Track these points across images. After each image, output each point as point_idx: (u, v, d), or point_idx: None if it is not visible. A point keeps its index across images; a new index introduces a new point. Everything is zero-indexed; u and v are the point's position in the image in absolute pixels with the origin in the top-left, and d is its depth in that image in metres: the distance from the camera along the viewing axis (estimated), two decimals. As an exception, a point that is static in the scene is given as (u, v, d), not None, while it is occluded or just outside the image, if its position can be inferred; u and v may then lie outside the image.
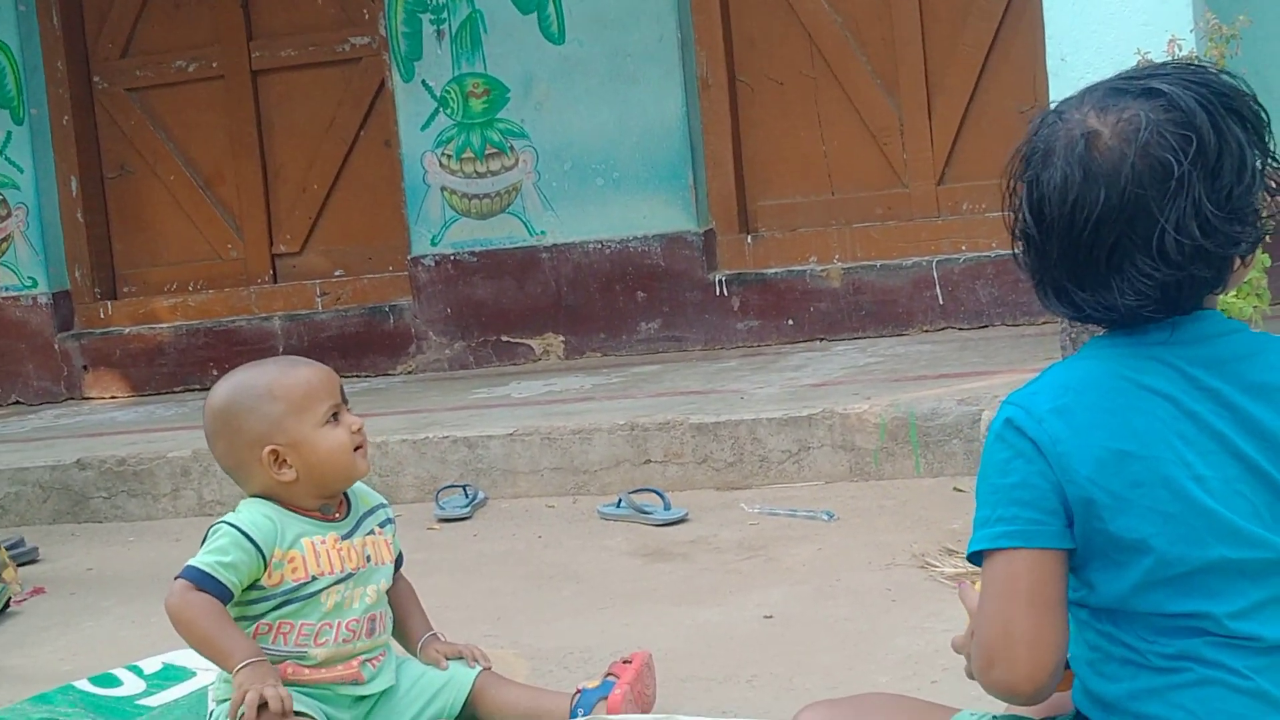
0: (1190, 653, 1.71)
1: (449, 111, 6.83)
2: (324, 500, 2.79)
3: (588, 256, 6.70)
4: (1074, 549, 1.72)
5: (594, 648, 3.36)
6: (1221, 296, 1.78)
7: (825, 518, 4.29)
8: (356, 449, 2.77)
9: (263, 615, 2.72)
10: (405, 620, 2.91)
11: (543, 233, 6.76)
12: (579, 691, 2.83)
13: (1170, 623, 1.72)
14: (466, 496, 4.88)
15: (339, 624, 2.74)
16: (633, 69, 6.59)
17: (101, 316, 7.48)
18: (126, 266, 7.62)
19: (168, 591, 2.68)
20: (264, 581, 2.70)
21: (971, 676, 1.92)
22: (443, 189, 6.87)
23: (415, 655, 2.93)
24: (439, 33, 6.81)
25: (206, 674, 3.26)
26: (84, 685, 3.28)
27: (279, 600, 2.71)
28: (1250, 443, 1.72)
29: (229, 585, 2.66)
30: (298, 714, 2.62)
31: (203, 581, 2.66)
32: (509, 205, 6.81)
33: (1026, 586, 1.70)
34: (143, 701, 3.20)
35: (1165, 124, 1.66)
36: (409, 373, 6.94)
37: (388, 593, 2.85)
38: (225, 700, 2.67)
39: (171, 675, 3.33)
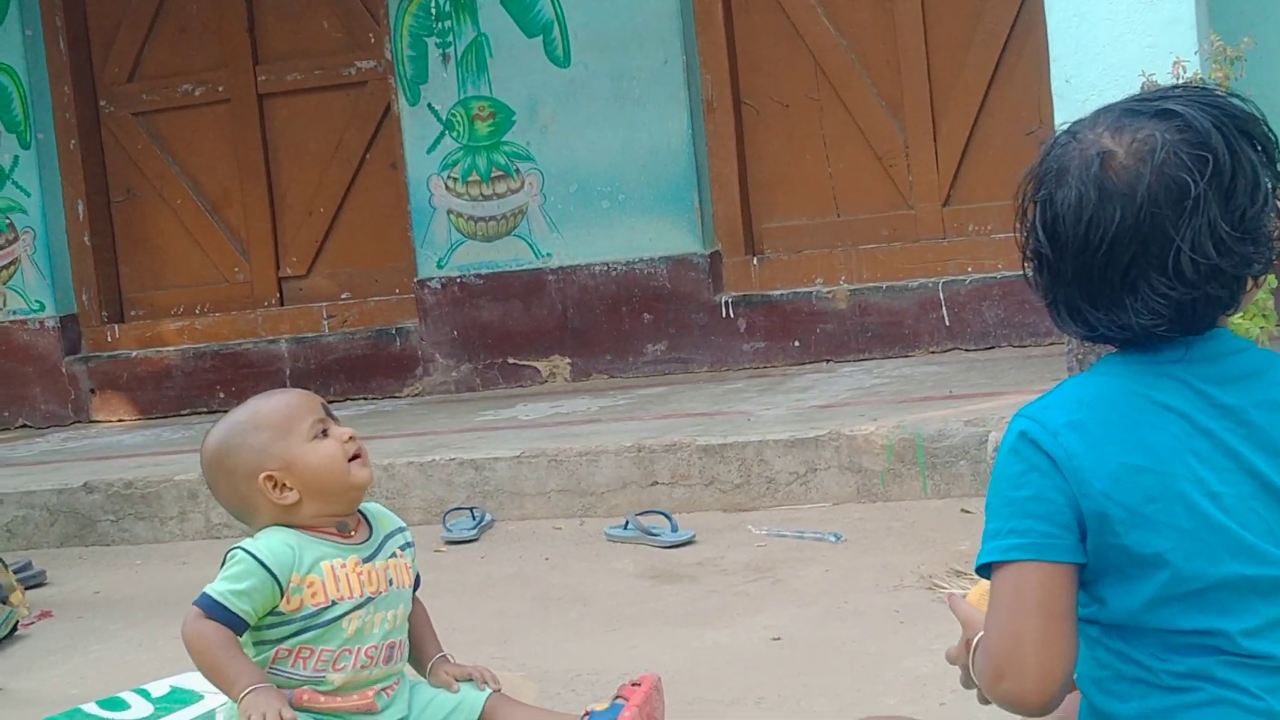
0: (1202, 671, 1.71)
1: (455, 134, 6.84)
2: (336, 517, 2.79)
3: (594, 278, 6.71)
4: (1085, 564, 1.72)
5: (601, 670, 3.35)
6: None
7: (833, 539, 4.28)
8: (354, 459, 2.78)
9: (282, 640, 2.72)
10: (417, 642, 2.91)
11: (549, 255, 6.77)
12: (588, 713, 2.83)
13: (1183, 640, 1.72)
14: (473, 519, 4.87)
15: (358, 649, 2.75)
16: (638, 92, 6.61)
17: (109, 340, 7.49)
18: (133, 290, 7.64)
19: (183, 617, 2.70)
20: (283, 607, 2.70)
21: (967, 687, 1.92)
22: (449, 211, 6.88)
23: (425, 677, 2.93)
24: (444, 56, 6.82)
25: (214, 697, 3.25)
26: (92, 709, 3.27)
27: (299, 626, 2.71)
28: (1264, 460, 1.72)
29: (241, 615, 2.67)
30: None
31: (214, 610, 2.67)
32: (515, 228, 6.82)
33: (1037, 599, 1.70)
34: (150, 725, 3.20)
35: (1180, 144, 1.67)
36: (415, 395, 6.94)
37: None
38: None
39: (179, 698, 3.33)
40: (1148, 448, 1.70)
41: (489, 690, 2.90)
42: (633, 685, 2.88)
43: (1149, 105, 1.72)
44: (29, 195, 7.44)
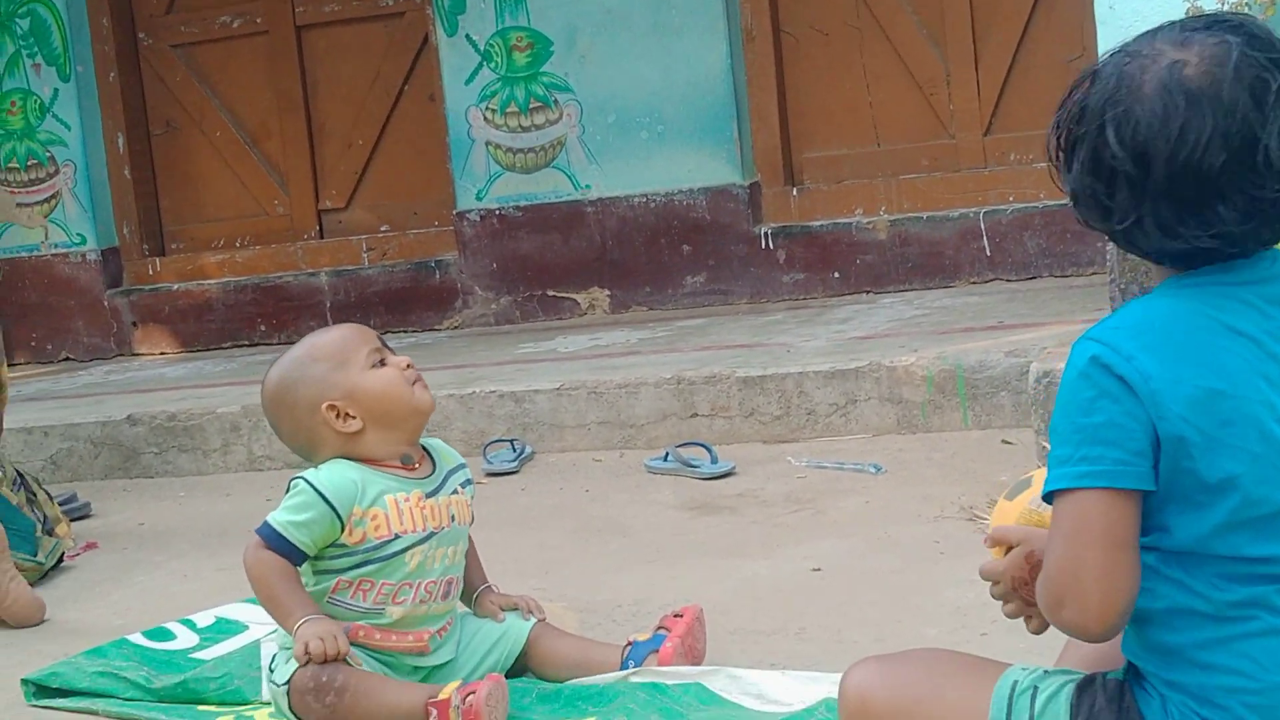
0: (1261, 600, 1.72)
1: (493, 65, 6.81)
2: (400, 448, 2.80)
3: (633, 210, 6.69)
4: (1153, 491, 1.72)
5: (642, 601, 3.37)
6: None
7: (873, 470, 4.28)
8: (414, 384, 2.80)
9: (344, 571, 2.73)
10: (464, 572, 2.93)
11: (588, 186, 6.75)
12: (630, 644, 2.84)
13: (1245, 568, 1.72)
14: (514, 451, 4.89)
15: (419, 584, 2.76)
16: (677, 21, 6.56)
17: (150, 273, 7.52)
18: (174, 223, 7.66)
19: (245, 545, 2.73)
20: (345, 539, 2.72)
21: (997, 599, 1.93)
22: (487, 143, 6.86)
23: (470, 607, 2.95)
24: (482, -14, 6.79)
25: (259, 627, 3.29)
26: (138, 639, 3.31)
27: (361, 558, 2.73)
28: None
29: (300, 546, 2.69)
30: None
31: (274, 541, 2.69)
32: (553, 159, 6.80)
33: (1102, 527, 1.70)
34: (196, 655, 3.23)
35: (1249, 46, 1.70)
36: (455, 328, 6.95)
37: None
38: (288, 647, 2.69)
39: (225, 629, 3.36)
40: (1222, 370, 1.71)
41: (534, 620, 2.92)
42: (675, 616, 2.90)
43: (1204, 21, 1.74)
44: (69, 129, 7.45)
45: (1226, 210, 1.70)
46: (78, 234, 7.49)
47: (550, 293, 6.82)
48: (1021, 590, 1.99)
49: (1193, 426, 1.69)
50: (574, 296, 6.79)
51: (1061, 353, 3.93)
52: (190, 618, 3.43)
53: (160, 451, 5.41)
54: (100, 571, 4.18)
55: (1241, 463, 1.70)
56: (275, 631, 2.90)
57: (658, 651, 2.80)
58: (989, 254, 6.20)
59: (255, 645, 3.14)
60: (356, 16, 7.24)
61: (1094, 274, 5.84)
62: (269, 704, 2.86)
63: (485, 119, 6.85)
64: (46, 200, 7.52)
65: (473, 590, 2.95)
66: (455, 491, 2.85)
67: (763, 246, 6.52)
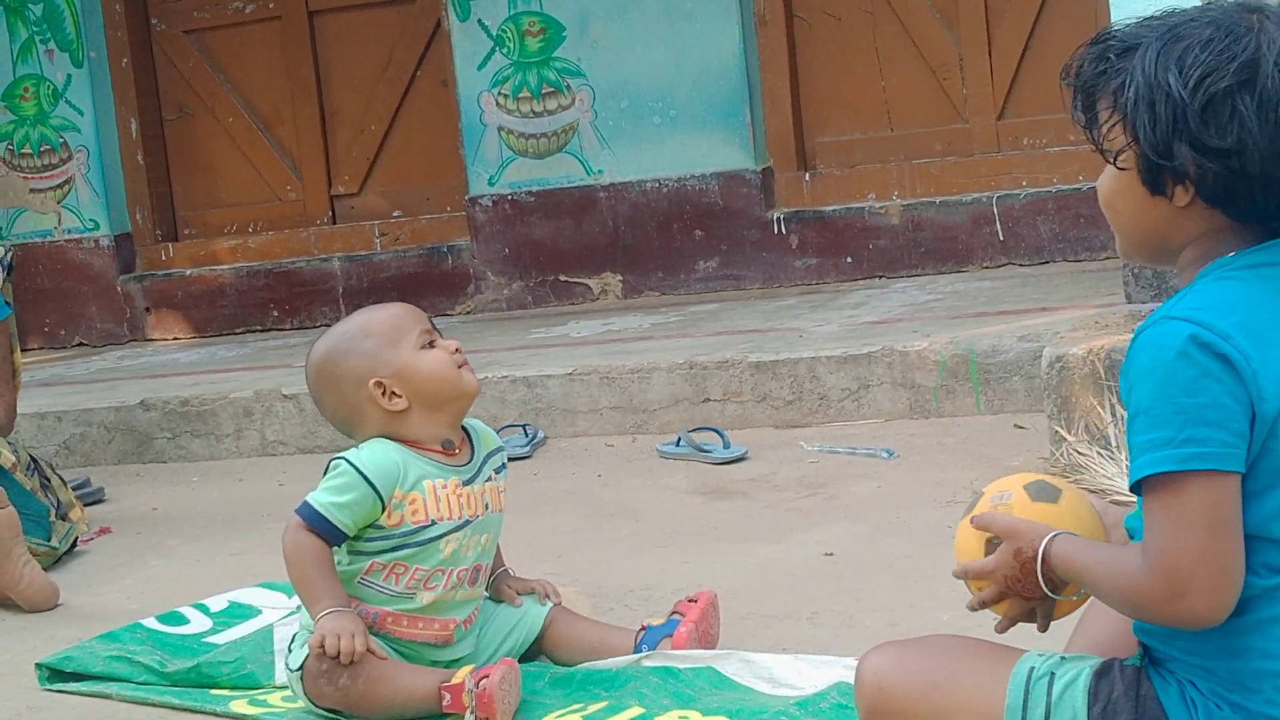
0: None
1: (505, 51, 6.81)
2: (444, 430, 2.79)
3: (645, 195, 6.68)
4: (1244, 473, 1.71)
5: (654, 585, 3.37)
6: None
7: (885, 455, 4.28)
8: (461, 368, 2.80)
9: (378, 554, 2.73)
10: None
11: (600, 172, 6.74)
12: (644, 628, 2.85)
13: None
14: (526, 435, 4.89)
15: (451, 571, 2.76)
16: (689, 6, 6.55)
17: (163, 258, 7.53)
18: (186, 208, 7.66)
19: (285, 524, 2.72)
20: (383, 521, 2.71)
21: (973, 609, 1.91)
22: (499, 129, 6.86)
23: (487, 591, 2.95)
24: (494, -29, 6.78)
25: (272, 611, 3.30)
26: (151, 623, 3.32)
27: (397, 542, 2.72)
28: None
29: (341, 528, 2.68)
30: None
31: (315, 522, 2.67)
32: (566, 144, 6.79)
33: (1222, 513, 1.68)
34: (210, 639, 3.24)
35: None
36: (467, 313, 6.95)
37: None
38: (310, 628, 2.68)
39: (237, 613, 3.37)
40: None
41: (550, 604, 2.92)
42: (689, 601, 2.90)
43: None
44: (82, 114, 7.46)
45: None
46: (91, 219, 7.50)
47: (562, 278, 6.82)
48: (1016, 588, 1.93)
49: None
50: (586, 282, 6.79)
51: (1073, 337, 3.92)
52: (203, 602, 3.44)
53: (173, 436, 5.42)
54: (113, 556, 4.19)
55: None
56: (290, 614, 2.90)
57: (671, 636, 2.80)
58: (1002, 239, 6.19)
59: (268, 630, 3.15)
60: (369, 2, 7.24)
61: (1107, 259, 5.83)
62: (282, 687, 2.87)
63: (498, 104, 6.85)
64: (59, 186, 7.53)
65: (490, 574, 2.95)
66: (489, 479, 2.84)
67: (775, 231, 6.51)
